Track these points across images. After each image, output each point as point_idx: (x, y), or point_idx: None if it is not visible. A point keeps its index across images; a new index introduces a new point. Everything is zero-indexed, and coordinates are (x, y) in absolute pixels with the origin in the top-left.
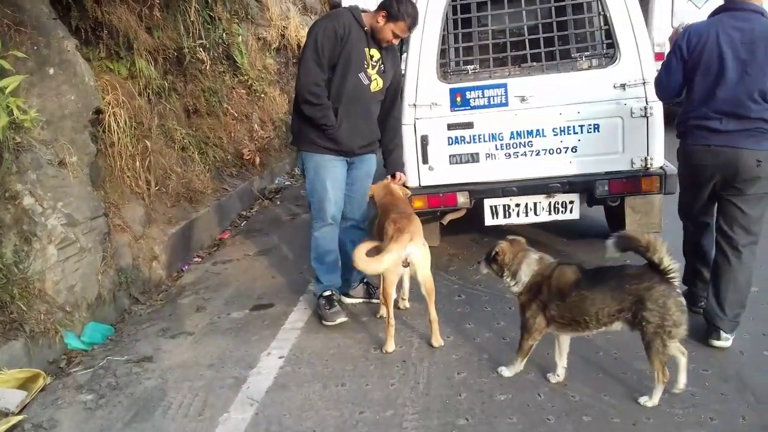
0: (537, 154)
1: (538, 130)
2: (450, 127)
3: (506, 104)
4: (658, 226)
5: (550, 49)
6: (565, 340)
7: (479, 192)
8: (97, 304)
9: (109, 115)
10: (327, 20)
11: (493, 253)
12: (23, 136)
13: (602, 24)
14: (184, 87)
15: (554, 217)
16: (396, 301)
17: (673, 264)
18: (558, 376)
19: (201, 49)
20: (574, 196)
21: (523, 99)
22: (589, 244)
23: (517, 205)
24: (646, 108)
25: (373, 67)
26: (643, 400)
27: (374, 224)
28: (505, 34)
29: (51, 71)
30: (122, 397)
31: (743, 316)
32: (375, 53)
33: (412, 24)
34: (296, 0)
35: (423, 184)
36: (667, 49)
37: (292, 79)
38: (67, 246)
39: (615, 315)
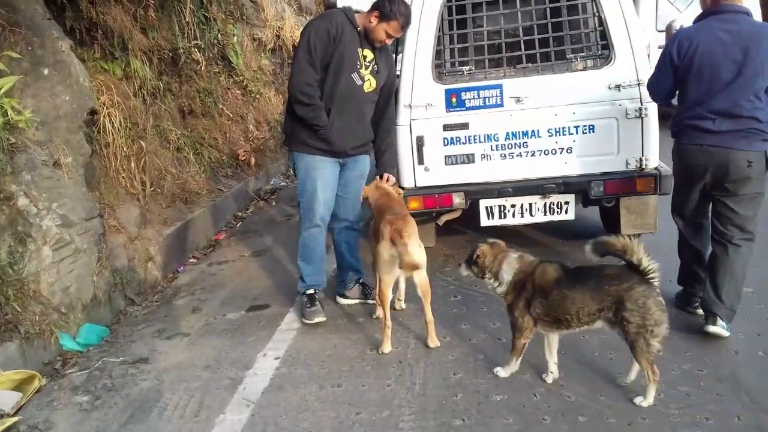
0: (532, 155)
1: (533, 131)
2: (445, 127)
3: (501, 105)
4: (653, 227)
5: (546, 50)
6: (553, 338)
7: (475, 193)
8: (92, 305)
9: (103, 116)
10: (320, 21)
11: (474, 255)
12: (18, 137)
13: (597, 25)
14: (179, 87)
15: (550, 217)
16: (392, 302)
17: (653, 264)
18: (551, 373)
19: (196, 50)
20: (570, 197)
21: (518, 100)
22: (585, 244)
23: (513, 206)
24: (641, 109)
25: (366, 67)
26: (638, 400)
27: (370, 225)
28: (501, 35)
29: (45, 72)
30: (118, 399)
31: (738, 317)
32: (368, 54)
33: (405, 23)
34: (291, 1)
35: (419, 184)
36: (652, 51)
37: (287, 79)
38: (62, 247)
39: (595, 314)
